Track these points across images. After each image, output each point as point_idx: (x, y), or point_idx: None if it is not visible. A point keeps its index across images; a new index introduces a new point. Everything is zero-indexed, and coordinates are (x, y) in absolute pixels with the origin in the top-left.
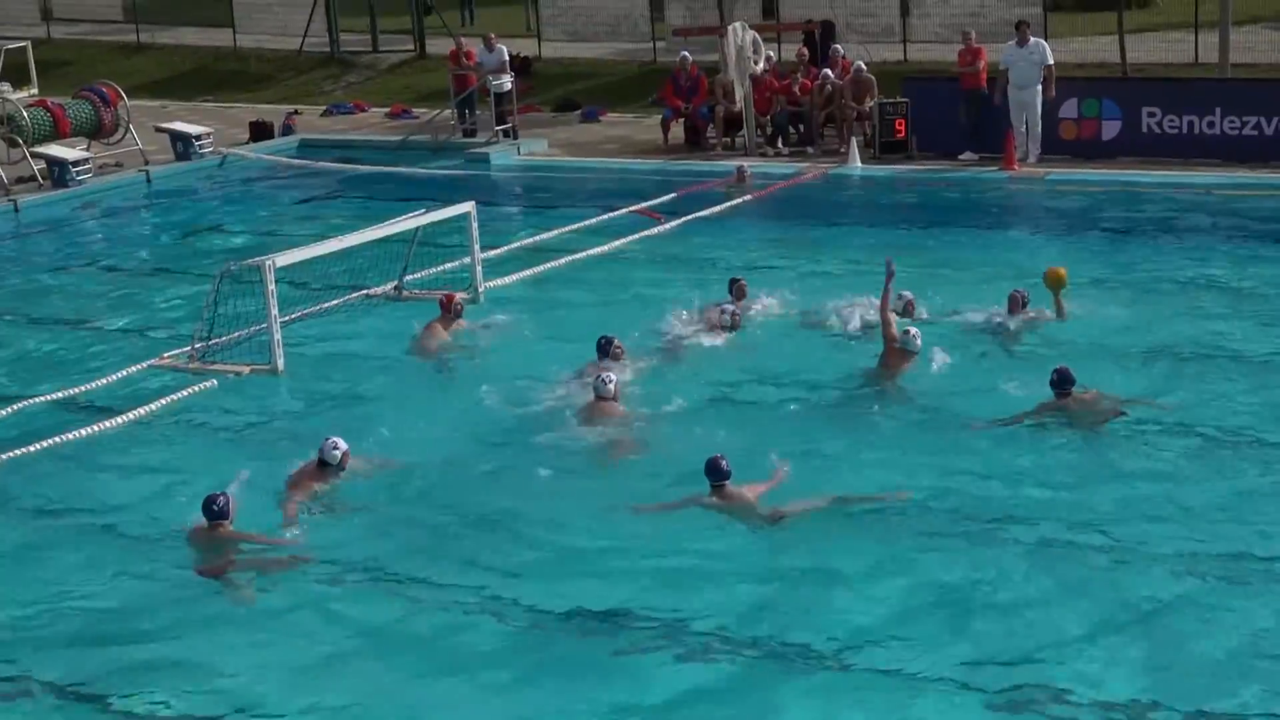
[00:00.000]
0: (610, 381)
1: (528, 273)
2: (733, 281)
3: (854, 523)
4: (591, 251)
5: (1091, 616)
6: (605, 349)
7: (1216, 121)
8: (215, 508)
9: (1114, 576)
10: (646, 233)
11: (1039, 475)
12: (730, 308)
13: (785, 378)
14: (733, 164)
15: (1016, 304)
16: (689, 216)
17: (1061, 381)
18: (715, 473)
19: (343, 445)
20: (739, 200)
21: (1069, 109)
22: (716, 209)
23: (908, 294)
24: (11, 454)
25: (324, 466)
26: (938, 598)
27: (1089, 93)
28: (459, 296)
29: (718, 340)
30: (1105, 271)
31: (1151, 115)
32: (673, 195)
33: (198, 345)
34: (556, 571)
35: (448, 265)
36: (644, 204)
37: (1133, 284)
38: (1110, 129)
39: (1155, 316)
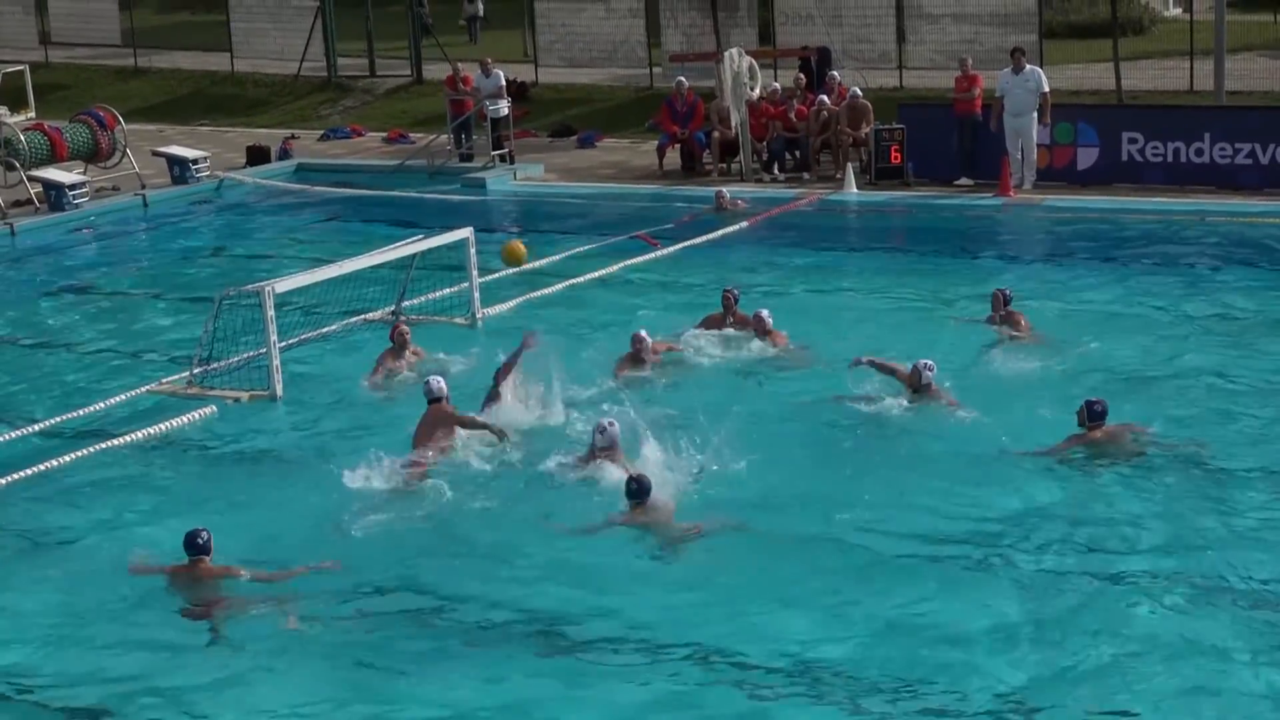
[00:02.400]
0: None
1: (524, 298)
2: (725, 293)
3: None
4: (586, 277)
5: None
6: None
7: (1205, 149)
8: (200, 542)
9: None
10: (642, 258)
11: (1066, 509)
12: (646, 339)
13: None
14: (727, 189)
15: (999, 302)
16: (685, 243)
17: (1092, 416)
18: (639, 491)
19: (434, 383)
20: (734, 226)
21: (1040, 135)
22: (712, 235)
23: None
24: (6, 479)
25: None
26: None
27: (1061, 117)
28: (403, 326)
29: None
30: (1103, 297)
31: (1133, 142)
32: (670, 223)
33: (196, 370)
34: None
35: (446, 290)
36: (641, 230)
37: (1130, 310)
38: (1087, 156)
39: (1156, 342)
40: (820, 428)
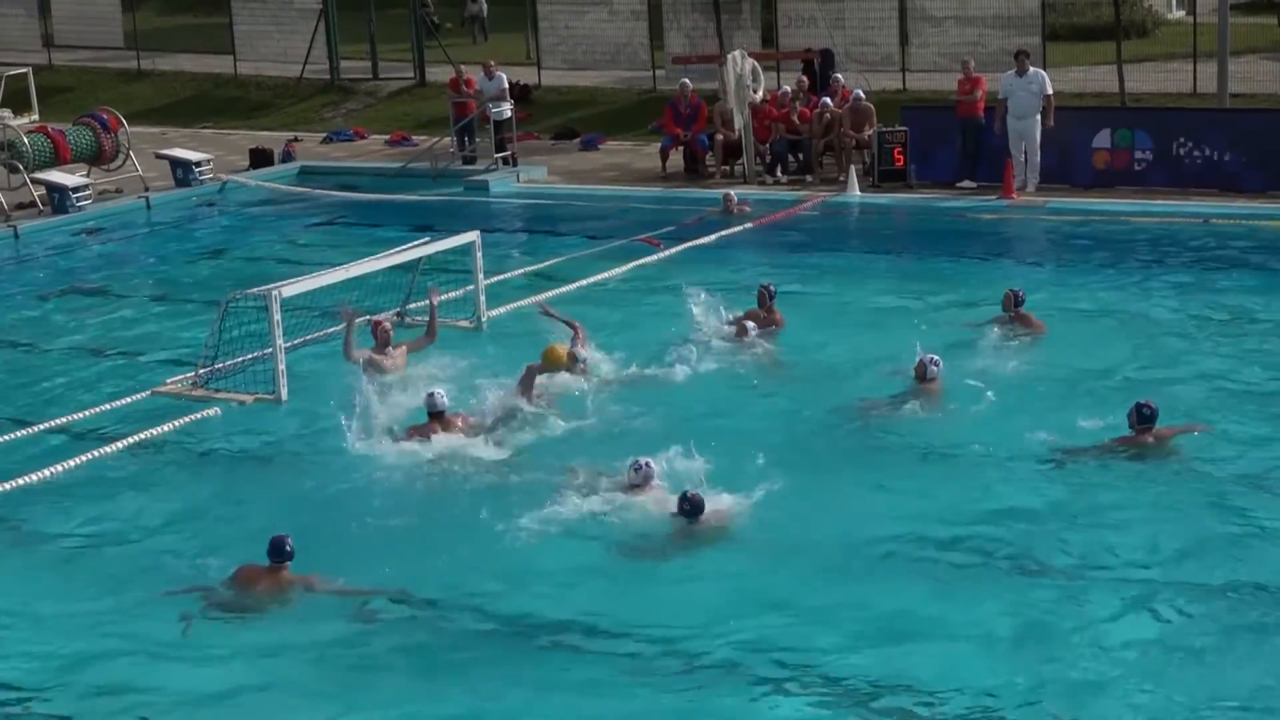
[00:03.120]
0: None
1: (527, 301)
2: (761, 289)
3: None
4: (590, 280)
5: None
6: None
7: (1208, 151)
8: (288, 548)
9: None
10: (645, 260)
11: (1114, 513)
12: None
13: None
14: (734, 192)
15: (1010, 302)
16: (688, 244)
17: (1141, 419)
18: (693, 510)
19: (439, 395)
20: (738, 228)
21: (1102, 139)
22: (715, 236)
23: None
24: (12, 483)
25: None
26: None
27: (1122, 122)
28: (386, 323)
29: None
30: (1109, 300)
31: (1182, 146)
32: (674, 225)
33: (201, 372)
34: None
35: (452, 294)
36: (646, 233)
37: (1136, 312)
38: (1140, 159)
39: (1167, 345)
40: (836, 434)
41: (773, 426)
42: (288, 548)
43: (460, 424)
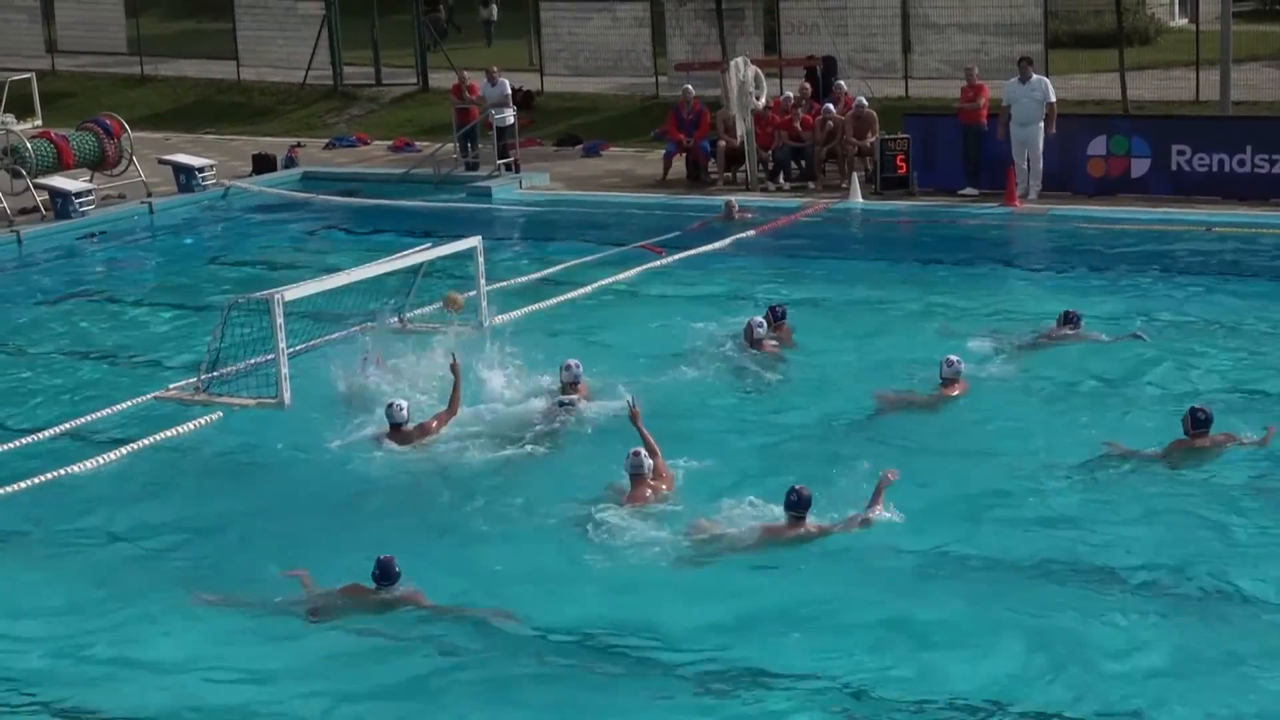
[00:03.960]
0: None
1: (531, 308)
2: (768, 310)
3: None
4: (592, 286)
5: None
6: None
7: (1210, 159)
8: (397, 570)
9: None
10: (647, 266)
11: (1168, 516)
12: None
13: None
14: (736, 198)
15: (1063, 321)
16: (691, 251)
17: (1196, 423)
18: (799, 504)
19: (402, 405)
20: (741, 235)
21: (1097, 146)
22: (717, 243)
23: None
24: (15, 487)
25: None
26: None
27: (1118, 129)
28: (379, 360)
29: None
30: (1109, 306)
31: (1181, 154)
32: (677, 231)
33: (204, 377)
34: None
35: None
36: (650, 239)
37: (1145, 319)
38: (1139, 166)
39: (1178, 353)
40: (860, 440)
41: (784, 433)
42: (396, 569)
43: (431, 429)
